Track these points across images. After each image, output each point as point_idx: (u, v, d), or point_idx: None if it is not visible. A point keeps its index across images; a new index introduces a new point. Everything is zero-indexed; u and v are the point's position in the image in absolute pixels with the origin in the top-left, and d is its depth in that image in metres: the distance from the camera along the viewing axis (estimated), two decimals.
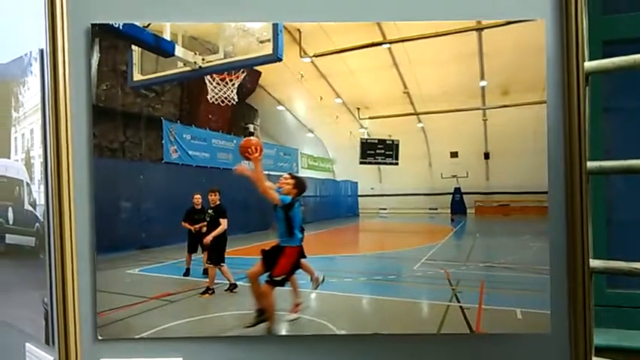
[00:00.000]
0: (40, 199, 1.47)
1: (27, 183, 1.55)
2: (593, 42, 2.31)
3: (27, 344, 1.58)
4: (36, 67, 1.46)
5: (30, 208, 1.53)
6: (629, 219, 2.34)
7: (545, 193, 1.37)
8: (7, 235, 1.69)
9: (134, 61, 1.39)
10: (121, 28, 1.37)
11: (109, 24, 1.37)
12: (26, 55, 1.50)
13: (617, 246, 2.28)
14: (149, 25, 1.38)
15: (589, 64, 1.70)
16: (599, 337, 2.13)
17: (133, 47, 1.39)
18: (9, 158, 1.64)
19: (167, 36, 1.39)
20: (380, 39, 1.40)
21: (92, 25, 1.37)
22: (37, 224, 1.49)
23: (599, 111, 2.35)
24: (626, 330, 2.24)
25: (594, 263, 1.81)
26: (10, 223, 1.66)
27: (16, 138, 1.61)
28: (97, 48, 1.37)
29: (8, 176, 1.67)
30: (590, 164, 1.79)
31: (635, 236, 2.25)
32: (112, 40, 1.38)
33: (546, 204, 1.37)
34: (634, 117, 2.33)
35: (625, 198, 2.37)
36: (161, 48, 1.38)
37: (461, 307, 1.37)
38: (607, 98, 2.37)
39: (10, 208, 1.66)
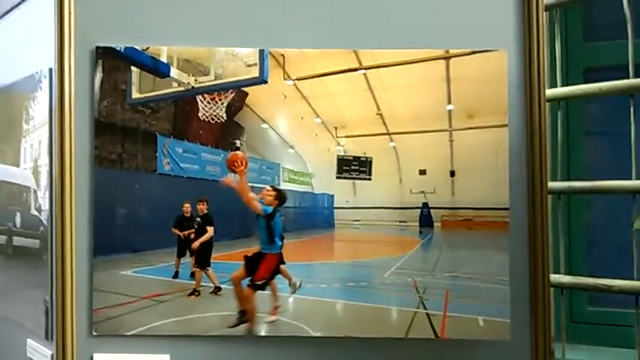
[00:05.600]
0: (45, 205, 1.61)
1: (34, 190, 1.69)
2: (575, 69, 2.44)
3: (28, 340, 1.70)
4: (45, 84, 1.60)
5: (36, 213, 1.67)
6: (609, 240, 2.43)
7: (507, 209, 1.48)
8: (14, 238, 1.83)
9: (133, 81, 1.53)
10: (122, 50, 1.51)
11: (111, 47, 1.51)
12: (37, 72, 1.65)
13: (599, 266, 2.37)
14: (147, 48, 1.52)
15: (550, 91, 1.82)
16: (572, 352, 2.22)
17: (133, 68, 1.53)
18: (18, 167, 1.78)
19: (164, 58, 1.53)
20: (356, 65, 1.53)
21: (97, 47, 1.51)
22: (42, 228, 1.62)
23: (581, 134, 2.46)
24: (603, 347, 2.32)
25: (564, 279, 1.91)
26: (18, 226, 1.80)
27: (25, 148, 1.75)
28: (100, 68, 1.51)
29: (17, 183, 1.81)
30: (558, 184, 1.91)
31: (614, 256, 2.34)
32: (114, 62, 1.52)
33: (507, 219, 1.48)
34: (615, 141, 2.43)
35: (607, 219, 2.47)
36: (158, 69, 1.52)
37: (427, 313, 1.48)
38: (589, 122, 2.48)
39: (18, 213, 1.80)
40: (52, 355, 1.57)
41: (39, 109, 1.65)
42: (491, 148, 1.50)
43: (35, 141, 1.68)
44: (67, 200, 1.50)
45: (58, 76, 1.50)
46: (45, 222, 1.60)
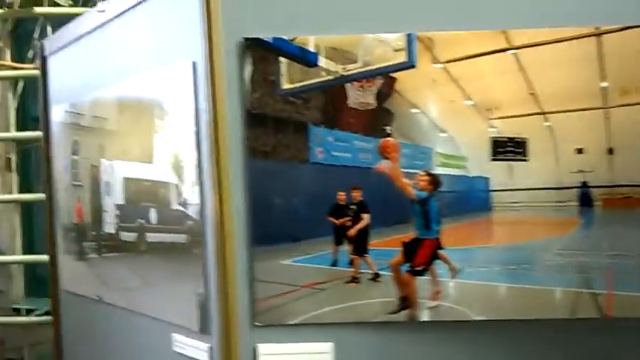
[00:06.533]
0: (193, 199, 1.61)
1: (175, 185, 1.70)
2: None
3: (174, 335, 1.71)
4: (186, 78, 1.60)
5: (180, 208, 1.67)
6: None
7: None
8: (147, 234, 1.84)
9: (282, 72, 1.53)
10: (270, 41, 1.51)
11: (259, 38, 1.51)
12: (174, 67, 1.64)
13: None
14: (295, 38, 1.52)
15: None
16: None
17: (281, 59, 1.53)
18: (151, 163, 1.79)
19: (311, 48, 1.52)
20: (505, 45, 1.51)
21: (245, 39, 1.51)
22: (190, 222, 1.63)
23: None
24: None
25: None
26: (154, 222, 1.81)
27: (160, 144, 1.76)
28: (249, 60, 1.51)
29: (150, 179, 1.82)
30: None
31: None
32: (263, 53, 1.52)
33: None
34: None
35: None
36: (306, 59, 1.52)
37: (591, 293, 1.47)
38: None
39: (152, 209, 1.81)
40: (209, 348, 1.58)
41: (178, 103, 1.65)
42: None
43: (174, 136, 1.68)
44: (225, 193, 1.50)
45: (208, 69, 1.50)
46: (194, 216, 1.61)
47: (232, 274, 1.51)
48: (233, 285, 1.51)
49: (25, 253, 3.65)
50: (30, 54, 3.26)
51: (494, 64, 1.51)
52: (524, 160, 1.50)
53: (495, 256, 1.53)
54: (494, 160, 1.51)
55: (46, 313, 3.17)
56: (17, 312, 3.76)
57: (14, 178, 3.63)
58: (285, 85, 1.53)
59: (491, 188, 1.52)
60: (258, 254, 1.51)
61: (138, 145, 1.85)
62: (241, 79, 1.52)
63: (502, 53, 1.51)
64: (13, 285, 4.03)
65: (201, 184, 1.58)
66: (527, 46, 1.50)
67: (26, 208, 3.61)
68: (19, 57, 3.41)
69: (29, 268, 3.89)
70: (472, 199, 1.56)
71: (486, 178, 1.52)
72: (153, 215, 1.81)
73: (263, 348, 1.51)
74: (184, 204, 1.66)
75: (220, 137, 1.50)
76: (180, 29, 1.62)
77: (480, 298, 1.49)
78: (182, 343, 1.68)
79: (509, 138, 1.51)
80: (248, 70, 1.52)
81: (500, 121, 1.51)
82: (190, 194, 1.63)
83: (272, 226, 1.52)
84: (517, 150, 1.50)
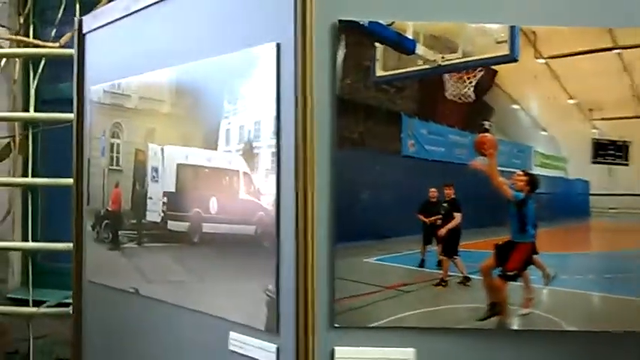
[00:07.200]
0: (267, 189, 1.51)
1: (244, 173, 1.59)
2: None
3: (231, 332, 1.60)
4: (269, 60, 1.49)
5: (250, 197, 1.57)
6: None
7: None
8: (203, 224, 1.73)
9: (377, 58, 1.44)
10: (366, 25, 1.42)
11: (355, 21, 1.42)
12: (249, 48, 1.54)
13: None
14: (393, 23, 1.43)
15: None
16: None
17: (376, 44, 1.44)
18: (216, 149, 1.68)
19: (409, 34, 1.43)
20: (611, 44, 1.44)
21: (339, 21, 1.42)
22: (261, 213, 1.52)
23: None
24: None
25: None
26: (212, 212, 1.69)
27: (229, 130, 1.65)
28: (342, 43, 1.42)
29: (211, 167, 1.71)
30: None
31: None
32: (357, 37, 1.42)
33: None
34: None
35: None
36: (403, 46, 1.43)
37: None
38: None
39: (212, 198, 1.70)
40: (276, 349, 1.47)
41: (253, 87, 1.55)
42: None
43: (248, 121, 1.58)
44: (308, 183, 1.40)
45: (301, 52, 1.40)
46: (267, 207, 1.50)
47: (311, 270, 1.40)
48: (311, 282, 1.40)
49: (23, 240, 3.50)
50: (53, 32, 3.12)
51: (597, 62, 1.44)
52: (625, 165, 1.43)
53: (591, 263, 1.45)
54: (594, 162, 1.43)
55: (58, 305, 3.02)
56: (17, 302, 3.58)
57: (24, 162, 3.48)
58: (379, 72, 1.44)
59: (590, 192, 1.44)
60: (340, 250, 1.41)
61: (199, 130, 1.74)
62: (333, 64, 1.42)
63: (606, 52, 1.43)
64: (14, 274, 3.86)
65: (278, 173, 1.48)
66: (633, 47, 1.43)
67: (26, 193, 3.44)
68: (39, 35, 3.26)
69: (27, 257, 3.70)
70: (570, 203, 1.48)
71: (586, 182, 1.45)
72: (213, 204, 1.70)
73: (340, 351, 1.41)
74: (256, 193, 1.55)
75: (307, 124, 1.40)
76: (265, 10, 1.52)
77: (574, 307, 1.42)
78: (241, 342, 1.57)
79: (610, 140, 1.43)
80: (340, 54, 1.42)
81: (602, 122, 1.44)
82: (264, 183, 1.52)
83: (357, 221, 1.42)
84: (618, 153, 1.43)
